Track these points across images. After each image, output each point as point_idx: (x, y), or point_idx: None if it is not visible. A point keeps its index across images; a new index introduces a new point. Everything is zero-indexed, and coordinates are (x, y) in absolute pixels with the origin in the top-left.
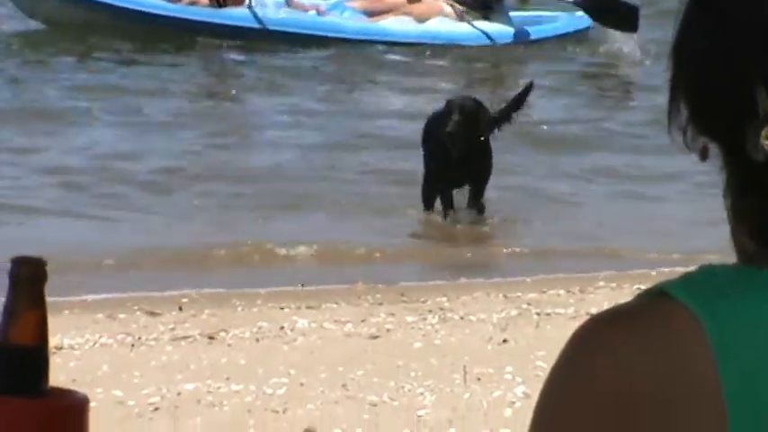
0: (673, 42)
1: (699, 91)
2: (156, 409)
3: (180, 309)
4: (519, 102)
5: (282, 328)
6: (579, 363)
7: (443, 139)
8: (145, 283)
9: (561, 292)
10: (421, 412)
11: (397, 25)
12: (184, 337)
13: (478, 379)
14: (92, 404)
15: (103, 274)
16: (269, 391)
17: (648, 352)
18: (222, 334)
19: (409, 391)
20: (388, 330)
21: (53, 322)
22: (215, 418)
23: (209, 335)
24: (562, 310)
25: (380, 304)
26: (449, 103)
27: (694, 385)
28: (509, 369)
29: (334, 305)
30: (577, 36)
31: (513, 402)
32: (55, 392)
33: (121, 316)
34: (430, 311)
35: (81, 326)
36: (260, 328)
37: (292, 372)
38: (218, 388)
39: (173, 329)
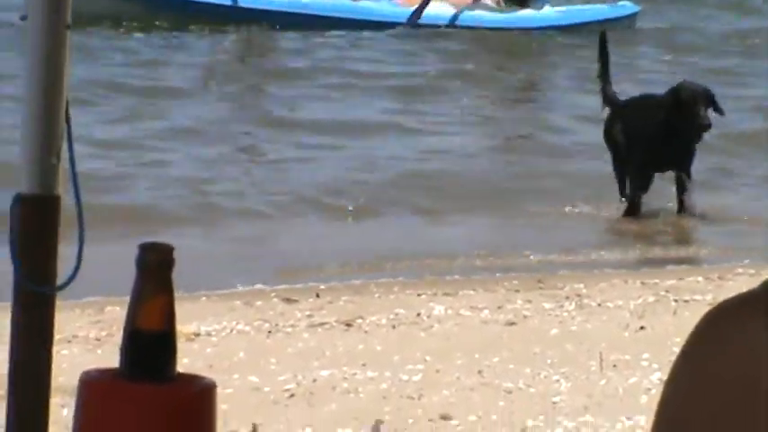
0: None
1: None
2: (292, 395)
3: (317, 296)
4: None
5: (419, 314)
6: (706, 348)
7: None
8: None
9: (700, 278)
10: (556, 399)
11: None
12: (321, 324)
13: (615, 366)
14: (228, 390)
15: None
16: (405, 377)
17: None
18: (359, 321)
19: (545, 377)
20: (524, 317)
21: (190, 310)
22: (350, 404)
23: (346, 322)
24: (700, 297)
25: (517, 291)
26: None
27: None
28: (646, 356)
29: (471, 292)
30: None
31: (650, 389)
32: (183, 378)
33: (258, 303)
34: (567, 298)
35: (218, 313)
36: (396, 314)
37: (428, 358)
38: (354, 374)
39: (309, 316)
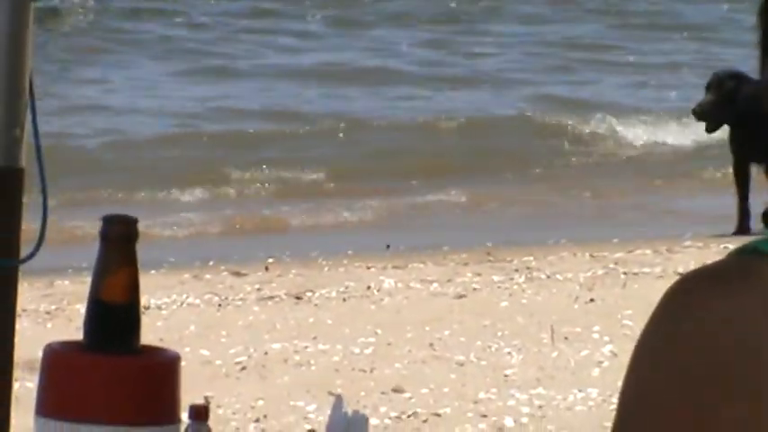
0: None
1: None
2: (244, 368)
3: (266, 269)
4: None
5: (369, 287)
6: (670, 326)
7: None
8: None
9: (648, 251)
10: (508, 372)
11: None
12: (270, 297)
13: (566, 338)
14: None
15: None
16: (356, 350)
17: (744, 314)
18: (308, 294)
19: (496, 350)
20: (474, 290)
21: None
22: (302, 377)
23: (296, 295)
24: (649, 270)
25: (466, 264)
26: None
27: None
28: (596, 328)
29: (421, 265)
30: None
31: (601, 362)
32: (147, 350)
33: (207, 276)
34: (516, 270)
35: (168, 286)
36: (347, 287)
37: (379, 331)
38: (306, 347)
39: (259, 290)
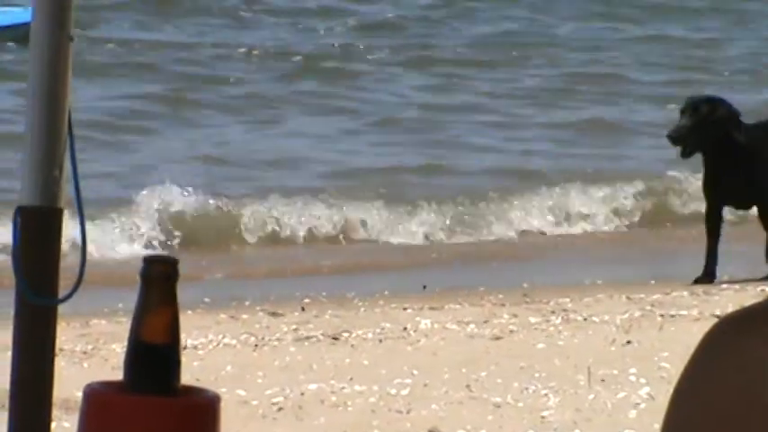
0: None
1: None
2: (280, 409)
3: (302, 309)
4: None
5: (405, 329)
6: (707, 368)
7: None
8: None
9: (685, 293)
10: (545, 413)
11: None
12: (307, 338)
13: (603, 380)
14: None
15: None
16: (393, 391)
17: None
18: (345, 334)
19: (533, 392)
20: (511, 331)
21: None
22: (339, 418)
23: (333, 335)
24: (686, 312)
25: (503, 305)
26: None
27: None
28: (633, 371)
29: (457, 306)
30: None
31: (638, 404)
32: (188, 390)
33: (244, 316)
34: (553, 312)
35: (204, 326)
36: (383, 329)
37: (416, 372)
38: (342, 388)
39: (295, 330)
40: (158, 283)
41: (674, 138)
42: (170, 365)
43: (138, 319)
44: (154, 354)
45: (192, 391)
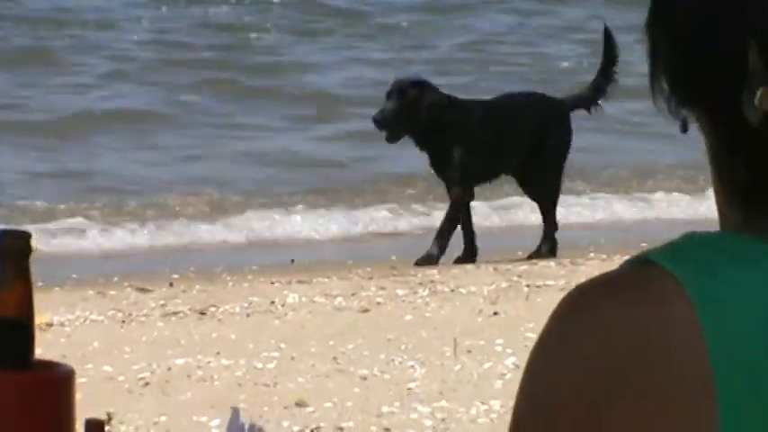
0: (650, 10)
1: (682, 56)
2: (147, 384)
3: (170, 284)
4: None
5: (273, 302)
6: (563, 334)
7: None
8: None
9: (552, 264)
10: (411, 385)
11: None
12: (175, 313)
13: (469, 351)
14: (82, 380)
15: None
16: (259, 365)
17: (634, 323)
18: (212, 309)
19: (400, 363)
20: (378, 304)
21: (44, 300)
22: (206, 392)
23: (200, 310)
24: (552, 282)
25: (371, 278)
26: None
27: (681, 356)
28: (499, 341)
29: (325, 279)
30: None
31: (504, 374)
32: (41, 365)
33: (112, 292)
34: (420, 284)
35: (71, 303)
36: (251, 303)
37: (283, 346)
38: (209, 363)
39: (163, 305)
40: (11, 256)
41: (380, 122)
42: (22, 339)
43: None
44: (5, 327)
45: (45, 365)
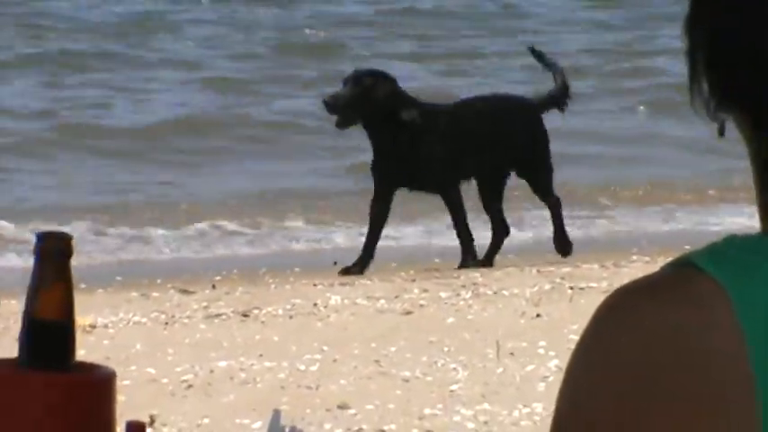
0: (689, 10)
1: (722, 55)
2: (190, 386)
3: (213, 287)
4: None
5: (316, 304)
6: (605, 337)
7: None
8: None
9: (595, 266)
10: (454, 387)
11: None
12: (217, 315)
13: (511, 354)
14: (125, 382)
15: None
16: (302, 367)
17: (675, 326)
18: (255, 311)
19: (442, 366)
20: (421, 306)
21: (87, 302)
22: (248, 395)
23: (243, 312)
24: (596, 284)
25: (413, 280)
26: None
27: (721, 360)
28: (542, 343)
29: (368, 281)
30: None
31: (547, 377)
32: (81, 367)
33: (155, 294)
34: (463, 287)
35: (115, 304)
36: (293, 305)
37: (325, 348)
38: (252, 365)
39: (206, 307)
40: (52, 258)
41: (330, 105)
42: (63, 342)
43: (31, 295)
44: (46, 330)
45: (85, 367)
